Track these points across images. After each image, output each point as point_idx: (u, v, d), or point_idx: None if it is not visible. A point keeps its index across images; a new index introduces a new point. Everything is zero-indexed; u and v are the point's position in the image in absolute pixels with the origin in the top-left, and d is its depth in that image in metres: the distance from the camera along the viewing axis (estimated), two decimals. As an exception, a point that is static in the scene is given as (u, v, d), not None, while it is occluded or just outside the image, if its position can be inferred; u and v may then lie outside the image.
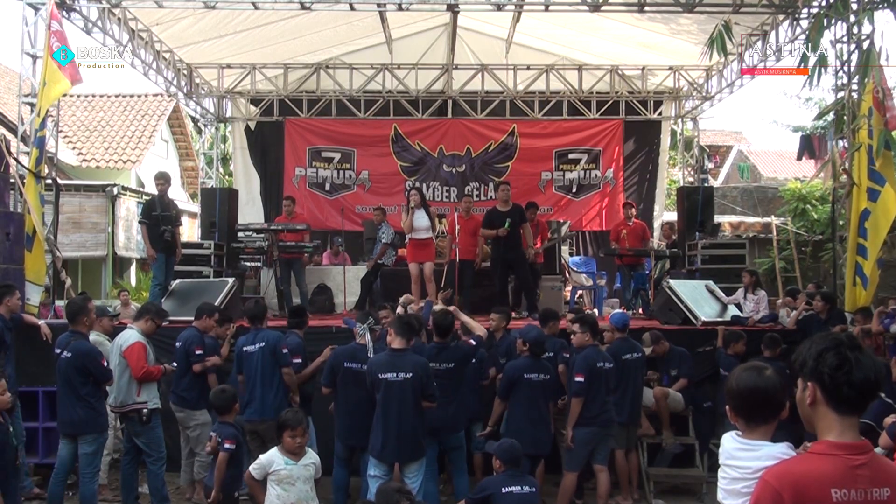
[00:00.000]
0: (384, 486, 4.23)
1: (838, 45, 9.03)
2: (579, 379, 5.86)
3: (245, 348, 6.17)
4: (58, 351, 5.82)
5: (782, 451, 2.43)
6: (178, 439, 6.70)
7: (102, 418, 5.84)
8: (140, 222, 9.15)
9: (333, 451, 5.94)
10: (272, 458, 4.55)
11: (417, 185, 10.09)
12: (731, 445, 2.54)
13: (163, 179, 8.89)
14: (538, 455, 5.90)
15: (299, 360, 6.26)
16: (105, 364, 5.82)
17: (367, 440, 5.42)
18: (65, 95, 10.40)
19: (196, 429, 6.46)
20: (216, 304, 8.08)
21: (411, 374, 5.16)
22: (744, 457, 2.47)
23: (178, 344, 6.54)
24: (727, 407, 2.51)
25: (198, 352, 6.45)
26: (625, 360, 6.46)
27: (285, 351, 6.09)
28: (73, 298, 6.23)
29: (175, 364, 6.35)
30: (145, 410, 5.91)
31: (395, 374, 5.15)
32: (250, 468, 4.58)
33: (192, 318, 6.85)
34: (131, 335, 6.00)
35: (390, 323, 5.50)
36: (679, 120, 14.30)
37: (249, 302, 6.68)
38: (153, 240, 8.65)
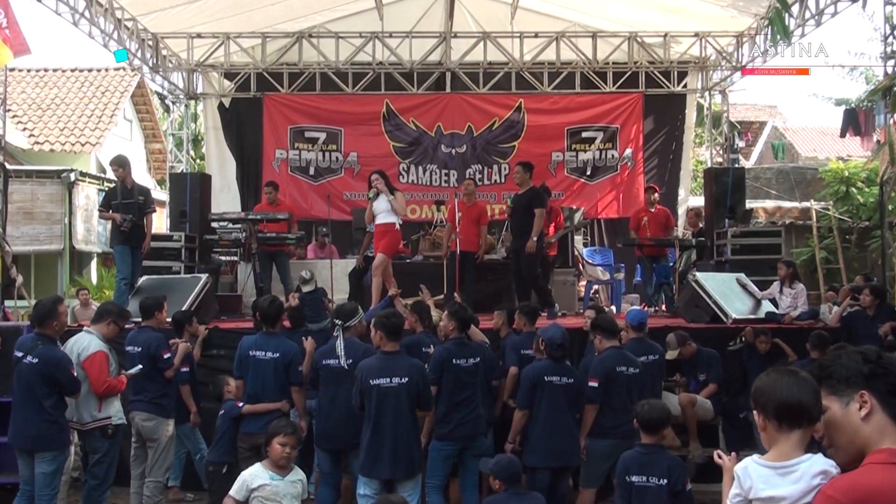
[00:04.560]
0: (384, 499, 4.26)
1: (888, 7, 9.00)
2: (593, 384, 5.87)
3: (252, 352, 6.02)
4: (19, 354, 5.66)
5: (830, 463, 2.39)
6: (128, 457, 6.61)
7: (65, 434, 5.73)
8: (98, 209, 9.14)
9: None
10: (255, 473, 4.53)
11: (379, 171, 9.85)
12: (760, 473, 2.48)
13: (117, 165, 8.80)
14: (564, 467, 5.89)
15: (300, 368, 6.11)
16: (75, 374, 5.69)
17: (352, 441, 5.49)
18: (12, 70, 10.36)
19: (161, 442, 6.37)
20: (188, 302, 8.12)
21: (407, 379, 5.15)
22: (781, 483, 2.43)
23: (135, 348, 6.44)
24: (755, 412, 2.51)
25: (165, 356, 6.37)
26: (640, 363, 6.46)
27: (300, 369, 6.00)
28: (43, 300, 6.07)
29: (140, 367, 6.22)
30: (110, 426, 5.87)
31: (388, 380, 5.14)
32: (231, 491, 4.56)
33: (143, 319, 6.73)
34: (91, 342, 5.88)
35: (374, 323, 5.53)
36: (706, 93, 14.23)
37: (263, 300, 6.57)
38: (115, 232, 8.67)
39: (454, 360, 5.74)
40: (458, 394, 5.72)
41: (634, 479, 4.62)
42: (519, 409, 5.90)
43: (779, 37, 7.98)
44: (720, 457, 3.34)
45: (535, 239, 8.95)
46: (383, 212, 8.65)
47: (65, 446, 5.78)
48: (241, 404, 6.00)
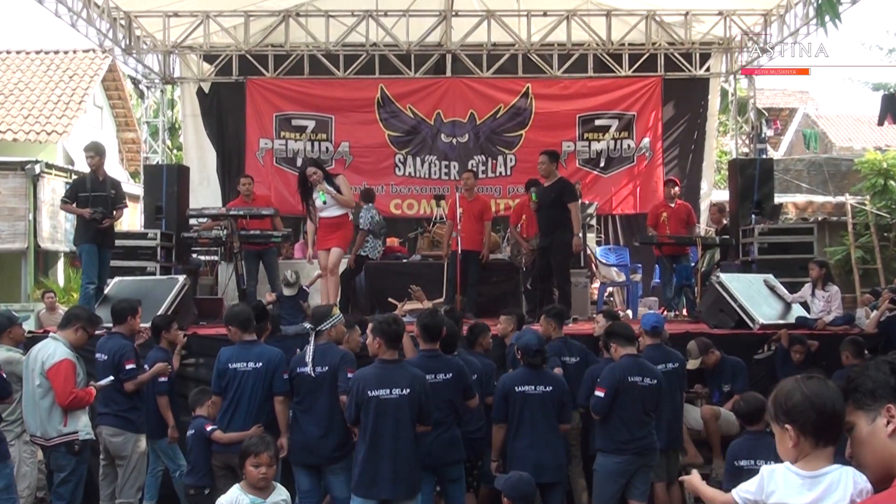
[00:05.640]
0: None
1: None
2: (599, 394, 5.91)
3: (231, 365, 5.93)
4: None
5: (861, 476, 2.42)
6: (97, 475, 6.61)
7: (4, 445, 5.69)
8: (62, 201, 9.15)
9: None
10: (234, 497, 4.55)
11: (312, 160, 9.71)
12: (789, 480, 2.52)
13: (93, 152, 8.84)
14: (545, 484, 5.83)
15: (286, 376, 6.00)
16: (3, 376, 5.69)
17: (329, 456, 5.49)
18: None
19: (131, 459, 6.36)
20: (164, 306, 8.11)
21: (409, 391, 5.14)
22: (807, 493, 2.48)
23: (101, 356, 6.45)
24: (787, 426, 2.50)
25: (128, 366, 6.33)
26: (659, 373, 6.47)
27: (286, 377, 5.91)
28: None
29: (111, 378, 6.22)
30: (77, 441, 5.85)
31: (388, 391, 5.13)
32: None
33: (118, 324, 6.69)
34: (56, 349, 5.88)
35: (372, 329, 5.51)
36: (731, 77, 14.25)
37: (232, 307, 6.58)
38: (81, 229, 8.65)
39: None
40: None
41: (743, 463, 4.98)
42: (495, 424, 5.95)
43: (827, 17, 7.91)
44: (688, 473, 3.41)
45: (580, 235, 8.96)
46: (331, 205, 8.53)
47: (7, 457, 5.72)
48: (210, 427, 5.97)
